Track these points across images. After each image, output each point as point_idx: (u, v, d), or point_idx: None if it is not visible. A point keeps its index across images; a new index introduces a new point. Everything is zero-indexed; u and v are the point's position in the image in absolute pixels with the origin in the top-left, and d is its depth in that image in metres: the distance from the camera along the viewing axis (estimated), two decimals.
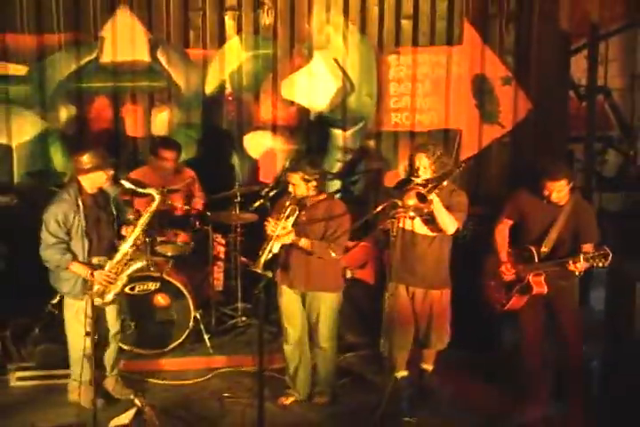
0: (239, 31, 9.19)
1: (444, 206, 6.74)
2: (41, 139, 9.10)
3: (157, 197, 6.87)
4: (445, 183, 6.76)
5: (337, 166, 9.52)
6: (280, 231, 6.71)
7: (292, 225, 6.78)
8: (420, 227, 6.95)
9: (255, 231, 7.81)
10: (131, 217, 7.03)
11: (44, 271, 7.00)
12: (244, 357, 7.75)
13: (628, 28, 9.92)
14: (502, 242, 7.14)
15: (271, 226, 6.72)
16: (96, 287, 6.73)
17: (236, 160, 9.43)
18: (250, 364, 7.37)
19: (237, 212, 8.43)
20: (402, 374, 7.17)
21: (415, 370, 7.32)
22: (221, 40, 9.20)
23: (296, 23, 9.22)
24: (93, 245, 6.90)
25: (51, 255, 6.80)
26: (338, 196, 9.05)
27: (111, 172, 6.84)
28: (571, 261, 6.67)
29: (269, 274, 6.59)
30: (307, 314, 7.08)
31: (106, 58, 9.07)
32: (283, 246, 6.80)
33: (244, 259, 8.58)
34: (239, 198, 8.42)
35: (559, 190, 6.82)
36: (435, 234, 6.94)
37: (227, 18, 9.15)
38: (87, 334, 6.66)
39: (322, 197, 6.95)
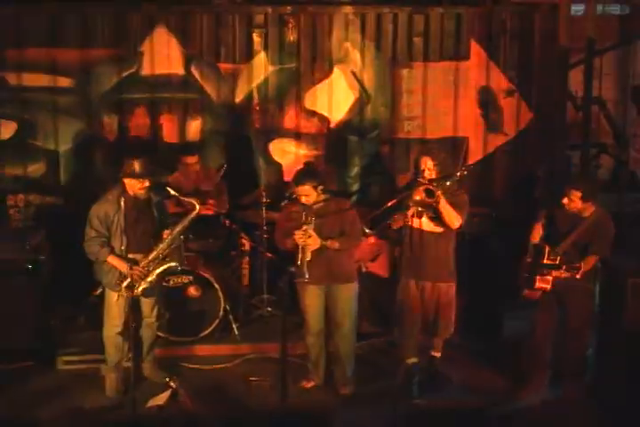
0: (266, 47, 9.19)
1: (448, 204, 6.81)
2: (85, 145, 9.12)
3: (197, 207, 6.95)
4: (448, 184, 6.81)
5: (354, 170, 9.52)
6: (308, 240, 6.76)
7: (314, 230, 6.80)
8: (427, 225, 6.97)
9: None
10: (169, 222, 7.04)
11: (88, 265, 7.07)
12: (268, 344, 7.75)
13: (620, 45, 9.89)
14: (533, 239, 7.06)
15: (299, 238, 6.76)
16: (127, 281, 6.79)
17: (261, 164, 9.43)
18: (274, 351, 7.40)
19: (263, 211, 8.46)
20: (412, 360, 7.17)
21: (424, 357, 7.34)
22: (249, 55, 9.20)
23: (318, 40, 9.23)
24: (131, 242, 6.94)
25: (90, 248, 6.90)
26: (354, 198, 9.14)
27: (147, 183, 6.84)
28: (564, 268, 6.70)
29: (307, 277, 6.72)
30: (329, 306, 7.09)
31: (145, 71, 9.11)
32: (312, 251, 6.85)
33: (269, 254, 8.64)
34: (265, 199, 8.45)
35: (572, 199, 6.75)
36: (441, 230, 6.96)
37: (254, 35, 9.16)
38: (125, 323, 6.84)
39: (325, 197, 6.97)
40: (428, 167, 6.88)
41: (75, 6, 8.82)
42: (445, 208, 6.77)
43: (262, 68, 9.25)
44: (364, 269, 8.24)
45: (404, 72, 9.41)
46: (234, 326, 8.18)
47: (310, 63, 9.29)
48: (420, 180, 6.85)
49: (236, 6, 9.06)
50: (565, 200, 6.79)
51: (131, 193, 6.93)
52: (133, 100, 9.15)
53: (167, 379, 6.46)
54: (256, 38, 9.18)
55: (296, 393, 6.90)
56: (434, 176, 6.86)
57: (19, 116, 9.02)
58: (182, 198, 7.02)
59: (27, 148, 9.08)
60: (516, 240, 7.33)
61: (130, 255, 6.92)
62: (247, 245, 9.02)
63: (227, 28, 9.13)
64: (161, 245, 6.88)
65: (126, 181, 6.89)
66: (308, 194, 6.84)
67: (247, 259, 9.05)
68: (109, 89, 9.09)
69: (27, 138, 9.07)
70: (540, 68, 9.44)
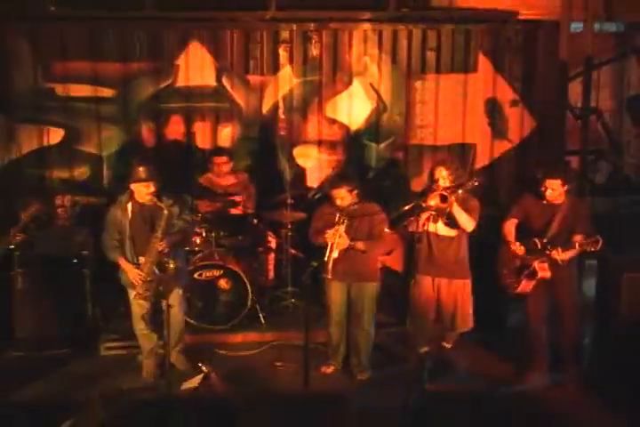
0: (291, 61, 9.20)
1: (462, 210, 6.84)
2: (125, 150, 9.15)
3: (165, 212, 6.71)
4: (461, 192, 6.83)
5: (371, 174, 9.52)
6: (338, 240, 6.78)
7: (344, 231, 6.83)
8: (442, 229, 7.02)
9: (303, 228, 7.91)
10: (159, 235, 6.75)
11: None
12: (292, 332, 7.77)
13: (616, 59, 9.87)
14: (509, 235, 7.06)
15: (330, 237, 6.78)
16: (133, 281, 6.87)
17: (286, 169, 9.43)
18: (297, 338, 7.41)
19: (288, 211, 8.48)
20: (424, 349, 7.16)
21: (435, 346, 7.34)
22: (276, 68, 9.20)
23: (338, 54, 9.22)
24: (138, 246, 6.90)
25: (104, 248, 6.99)
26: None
27: (152, 187, 6.75)
28: (559, 249, 6.69)
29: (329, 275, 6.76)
30: (351, 302, 7.13)
31: (180, 82, 9.12)
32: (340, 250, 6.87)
33: (293, 251, 8.66)
34: (290, 200, 8.48)
35: (554, 189, 6.79)
36: (455, 234, 7.00)
37: (280, 50, 9.17)
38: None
39: (358, 200, 7.00)
40: (442, 176, 6.92)
41: (115, 23, 8.85)
42: (459, 213, 6.82)
43: (288, 80, 9.25)
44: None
45: (418, 83, 9.40)
46: (260, 315, 8.22)
47: (332, 76, 9.29)
48: (435, 187, 6.89)
49: (264, 23, 9.06)
50: (548, 191, 6.82)
51: (138, 199, 6.85)
52: (169, 109, 9.16)
53: (199, 364, 6.48)
54: (282, 53, 9.18)
55: (317, 377, 6.94)
56: (447, 184, 6.89)
57: (66, 123, 9.03)
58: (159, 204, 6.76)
59: (73, 153, 9.10)
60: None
61: (141, 258, 6.88)
62: (273, 242, 9.05)
63: (255, 44, 9.13)
64: (148, 253, 6.80)
65: (133, 186, 6.82)
66: (343, 197, 6.88)
67: (273, 255, 9.05)
68: (147, 99, 9.11)
69: (73, 144, 9.09)
70: (542, 80, 9.44)
